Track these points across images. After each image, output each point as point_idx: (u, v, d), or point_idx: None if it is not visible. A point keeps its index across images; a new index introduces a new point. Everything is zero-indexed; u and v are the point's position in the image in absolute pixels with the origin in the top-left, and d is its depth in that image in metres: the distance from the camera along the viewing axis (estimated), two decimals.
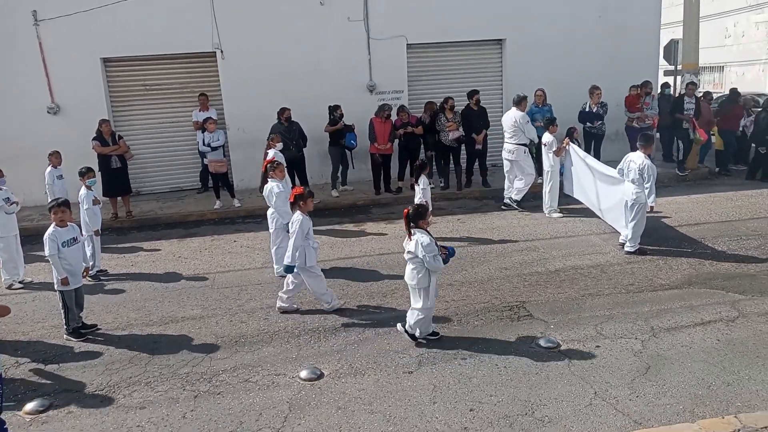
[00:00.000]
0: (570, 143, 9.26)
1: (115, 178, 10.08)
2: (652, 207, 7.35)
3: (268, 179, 7.18)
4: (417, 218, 5.20)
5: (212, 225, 10.15)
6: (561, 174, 9.57)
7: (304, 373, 4.90)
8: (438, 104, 11.25)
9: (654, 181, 7.22)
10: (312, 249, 6.05)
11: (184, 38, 11.55)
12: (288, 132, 10.40)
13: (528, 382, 4.62)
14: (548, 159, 9.28)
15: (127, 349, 5.57)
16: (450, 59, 13.06)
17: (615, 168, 7.87)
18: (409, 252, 5.19)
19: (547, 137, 9.32)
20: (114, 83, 11.89)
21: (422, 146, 11.40)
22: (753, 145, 11.86)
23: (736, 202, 9.75)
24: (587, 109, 11.51)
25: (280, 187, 7.09)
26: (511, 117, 9.83)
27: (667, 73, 15.20)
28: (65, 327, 5.83)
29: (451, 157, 11.31)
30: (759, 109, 12.60)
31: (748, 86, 21.10)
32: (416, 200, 8.38)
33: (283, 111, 10.49)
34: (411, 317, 5.36)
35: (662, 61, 14.25)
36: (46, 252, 5.72)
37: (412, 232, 5.17)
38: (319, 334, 5.66)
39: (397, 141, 11.17)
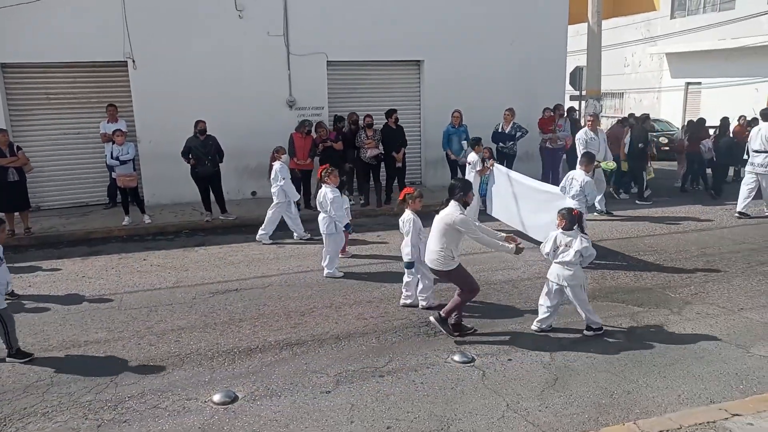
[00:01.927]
0: (495, 164, 9.57)
1: (12, 192, 9.34)
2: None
3: (323, 185, 7.59)
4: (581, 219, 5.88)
5: (120, 242, 9.66)
6: (482, 195, 9.91)
7: (217, 397, 4.73)
8: (361, 118, 11.37)
9: (594, 196, 8.12)
10: (425, 245, 6.10)
11: (92, 46, 10.99)
12: (203, 146, 10.12)
13: (444, 398, 4.69)
14: (471, 178, 9.44)
15: (23, 377, 5.16)
16: (370, 78, 13.26)
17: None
18: (576, 252, 5.56)
19: (472, 156, 9.66)
20: (13, 91, 11.09)
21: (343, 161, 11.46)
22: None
23: (635, 221, 10.43)
24: (500, 130, 11.99)
25: (335, 191, 7.51)
26: None
27: (573, 98, 16.13)
28: (8, 349, 5.41)
29: (371, 174, 11.42)
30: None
31: (644, 112, 22.73)
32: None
33: (197, 124, 10.19)
34: (588, 317, 5.77)
35: (568, 87, 15.13)
36: None
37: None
38: (234, 356, 5.49)
39: (317, 157, 11.16)
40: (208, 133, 10.22)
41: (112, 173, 10.54)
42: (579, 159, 8.28)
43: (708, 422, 4.06)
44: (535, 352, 5.45)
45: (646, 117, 13.14)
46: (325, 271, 7.65)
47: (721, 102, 19.45)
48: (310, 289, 7.21)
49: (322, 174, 7.69)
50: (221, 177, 10.54)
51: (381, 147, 11.17)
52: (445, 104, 12.81)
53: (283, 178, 9.29)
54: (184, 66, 11.53)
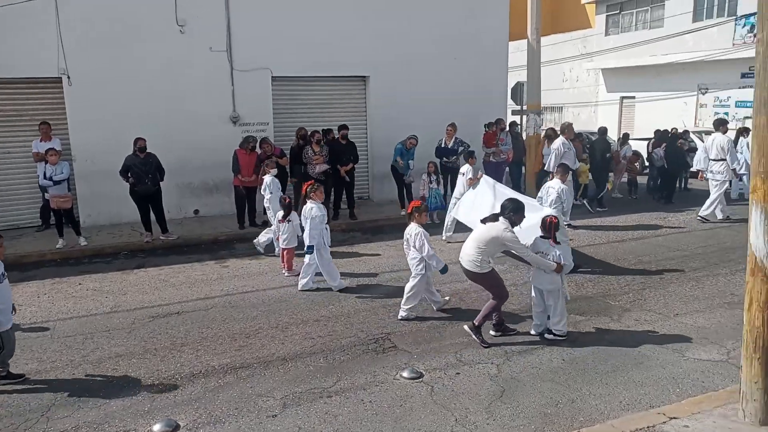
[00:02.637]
0: (484, 175, 9.87)
1: None
2: (569, 224, 8.97)
3: (308, 200, 7.50)
4: (557, 227, 5.90)
5: (54, 266, 9.21)
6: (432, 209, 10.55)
7: (157, 427, 4.53)
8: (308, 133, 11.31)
9: (570, 203, 8.73)
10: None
11: (24, 61, 10.53)
12: (143, 164, 9.82)
13: (393, 416, 4.66)
14: (463, 187, 9.74)
15: None
16: (316, 93, 13.24)
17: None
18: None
19: (465, 167, 10.00)
20: None
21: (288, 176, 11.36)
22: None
23: (577, 231, 10.73)
24: (443, 145, 12.16)
25: (322, 209, 7.47)
26: None
27: (514, 112, 16.54)
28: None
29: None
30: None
31: (583, 125, 23.61)
32: (282, 239, 8.30)
33: (136, 141, 9.88)
34: (555, 321, 5.99)
35: (510, 101, 15.52)
36: None
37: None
38: (175, 382, 5.30)
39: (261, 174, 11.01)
40: (148, 151, 9.93)
41: (45, 194, 10.08)
42: (555, 169, 8.92)
43: (648, 427, 4.18)
44: (483, 364, 5.50)
45: (605, 130, 13.97)
46: (334, 284, 7.62)
47: (653, 115, 20.44)
48: (255, 310, 7.06)
49: (308, 189, 7.64)
50: (162, 195, 10.24)
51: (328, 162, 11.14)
52: (391, 119, 12.95)
53: (271, 192, 9.35)
54: (123, 82, 11.20)
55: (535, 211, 8.19)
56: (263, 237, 9.32)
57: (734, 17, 19.00)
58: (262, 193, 9.66)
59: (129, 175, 9.80)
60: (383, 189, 13.34)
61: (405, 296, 6.65)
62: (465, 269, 5.99)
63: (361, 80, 13.50)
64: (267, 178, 9.59)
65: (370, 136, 13.63)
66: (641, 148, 16.28)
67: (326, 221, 7.65)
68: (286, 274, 8.39)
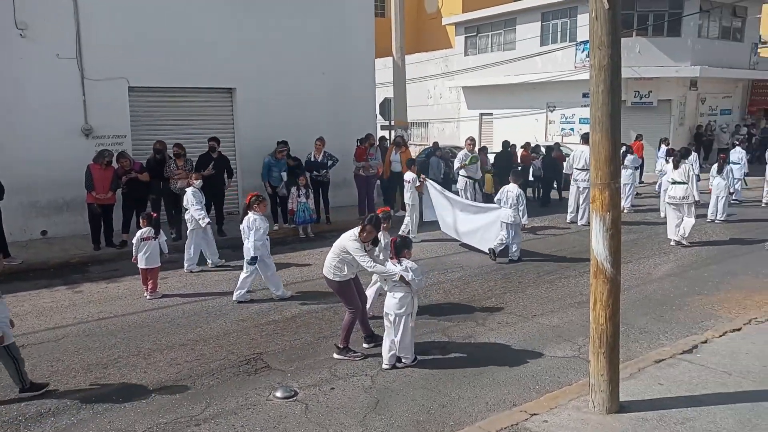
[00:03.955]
0: (427, 179, 10.91)
1: None
2: (525, 225, 9.78)
3: (250, 212, 7.52)
4: (403, 248, 5.64)
5: None
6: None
7: None
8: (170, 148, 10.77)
9: (525, 205, 9.56)
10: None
11: None
12: None
13: None
14: (410, 194, 10.81)
15: None
16: (180, 105, 12.63)
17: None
18: (394, 282, 5.53)
19: (408, 175, 10.82)
20: None
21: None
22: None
23: (443, 241, 11.17)
24: (312, 159, 12.16)
25: (264, 222, 7.55)
26: None
27: (383, 127, 17.01)
28: (21, 384, 5.15)
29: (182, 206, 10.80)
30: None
31: (447, 140, 24.80)
32: (142, 258, 7.78)
33: None
34: (404, 349, 5.63)
35: (379, 117, 15.94)
36: None
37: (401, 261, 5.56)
38: (18, 425, 4.73)
39: (120, 190, 10.28)
40: None
41: None
42: (510, 175, 9.95)
43: (511, 425, 4.42)
44: (357, 377, 5.52)
45: (507, 143, 15.13)
46: (278, 293, 7.75)
47: (510, 131, 21.96)
48: (113, 337, 6.53)
49: (251, 200, 7.61)
50: (2, 216, 9.18)
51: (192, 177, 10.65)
52: (260, 133, 12.69)
53: (198, 204, 9.01)
54: None
55: (489, 211, 9.97)
56: (187, 262, 9.22)
57: (575, 43, 21.06)
58: (185, 206, 9.15)
59: None
60: None
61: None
62: (324, 276, 6.05)
63: (228, 92, 13.13)
64: (189, 191, 9.09)
65: (238, 150, 13.27)
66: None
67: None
68: (148, 296, 7.87)
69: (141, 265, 7.83)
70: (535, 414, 4.56)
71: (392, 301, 5.58)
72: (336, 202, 13.16)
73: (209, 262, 9.43)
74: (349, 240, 5.82)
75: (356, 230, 5.87)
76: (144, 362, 5.90)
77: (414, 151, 19.07)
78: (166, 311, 7.42)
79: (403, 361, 5.69)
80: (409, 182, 10.90)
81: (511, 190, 9.60)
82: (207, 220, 9.04)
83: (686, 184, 10.22)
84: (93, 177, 9.88)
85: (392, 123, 15.72)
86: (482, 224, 10.01)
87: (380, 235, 6.28)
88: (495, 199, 9.95)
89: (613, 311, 4.43)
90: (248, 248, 7.51)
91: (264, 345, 6.30)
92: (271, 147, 11.77)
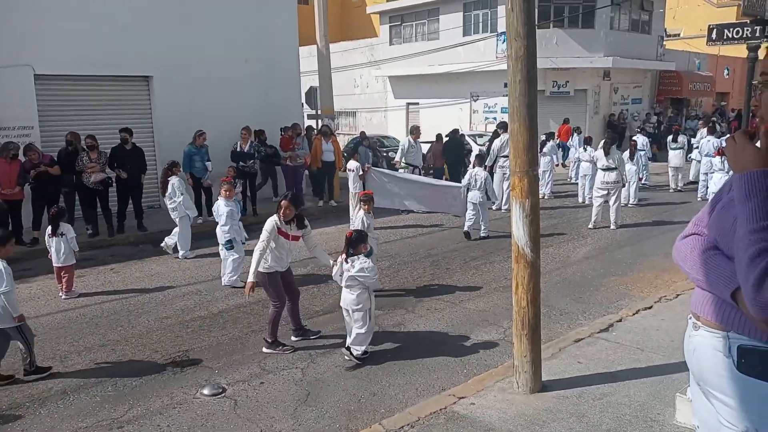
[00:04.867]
0: (371, 168, 10.92)
1: None
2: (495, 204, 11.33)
3: (219, 198, 7.86)
4: (358, 243, 5.45)
5: None
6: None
7: None
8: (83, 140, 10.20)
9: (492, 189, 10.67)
10: None
11: None
12: None
13: None
14: (354, 182, 10.57)
15: None
16: (92, 94, 11.99)
17: None
18: (350, 277, 5.35)
19: (352, 164, 10.67)
20: None
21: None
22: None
23: (379, 228, 11.20)
24: (238, 149, 11.88)
25: (229, 205, 7.75)
26: None
27: (310, 116, 16.82)
28: (29, 366, 5.31)
29: (98, 200, 10.29)
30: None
31: (375, 129, 24.89)
32: (62, 254, 7.36)
33: None
34: (357, 341, 5.48)
35: (306, 106, 15.75)
36: (3, 288, 5.09)
37: (355, 257, 5.39)
38: None
39: (28, 185, 9.65)
40: None
41: None
42: (473, 160, 10.87)
43: (440, 409, 4.52)
44: (287, 370, 5.47)
45: (456, 130, 15.24)
46: (225, 280, 7.82)
47: (436, 120, 22.29)
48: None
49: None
50: None
51: (107, 171, 10.15)
52: (180, 123, 12.25)
53: (181, 194, 9.10)
54: None
55: (450, 187, 10.64)
56: (170, 240, 9.29)
57: (496, 33, 21.59)
58: (167, 197, 9.25)
59: None
60: None
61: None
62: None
63: (144, 80, 12.57)
64: (174, 180, 9.15)
65: (157, 141, 12.75)
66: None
67: (239, 217, 8.14)
68: (63, 296, 7.46)
69: (54, 262, 7.41)
70: (462, 397, 4.68)
71: (349, 297, 5.50)
72: (262, 193, 12.94)
73: (181, 253, 9.35)
74: (268, 221, 5.74)
75: (277, 215, 5.79)
76: (60, 365, 5.59)
77: (342, 141, 19.06)
78: (84, 311, 7.06)
79: (353, 351, 5.55)
80: (353, 171, 10.90)
81: (479, 173, 10.36)
82: (174, 215, 9.21)
83: (617, 169, 10.78)
84: None
85: (319, 112, 15.57)
86: (447, 195, 10.51)
87: (364, 218, 6.95)
88: (463, 183, 10.49)
89: (534, 294, 4.59)
90: (220, 234, 7.79)
91: (190, 342, 6.12)
92: (192, 137, 11.40)
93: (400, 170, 12.88)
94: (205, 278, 8.31)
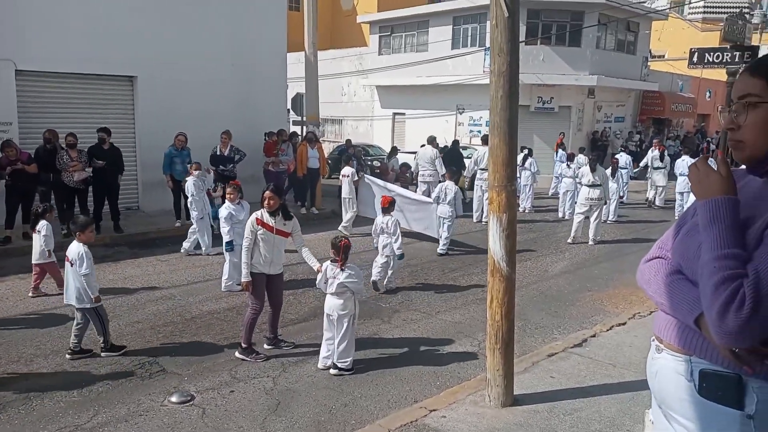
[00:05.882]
0: (365, 175, 11.27)
1: None
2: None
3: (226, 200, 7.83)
4: (348, 251, 5.42)
5: None
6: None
7: None
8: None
9: (460, 203, 10.38)
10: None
11: None
12: None
13: None
14: (348, 187, 11.08)
15: None
16: (74, 92, 11.84)
17: None
18: (340, 284, 5.32)
19: (347, 170, 11.08)
20: None
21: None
22: None
23: (362, 235, 11.15)
24: (218, 153, 11.78)
25: (228, 208, 7.71)
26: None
27: (295, 123, 16.76)
28: (104, 344, 5.72)
29: (76, 200, 10.14)
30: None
31: (361, 138, 24.90)
32: (36, 252, 7.25)
33: None
34: (343, 355, 5.43)
35: (292, 112, 15.69)
36: (84, 270, 5.48)
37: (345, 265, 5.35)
38: None
39: (3, 181, 9.48)
40: None
41: None
42: (447, 173, 10.76)
43: (411, 422, 4.47)
44: (258, 379, 5.39)
45: (433, 138, 14.90)
46: (222, 286, 7.79)
47: (422, 131, 22.32)
48: None
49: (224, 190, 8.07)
50: None
51: (89, 170, 10.02)
52: (163, 124, 12.12)
53: (192, 194, 9.31)
54: None
55: (424, 204, 10.52)
56: (186, 243, 9.44)
57: (484, 48, 21.75)
58: (187, 194, 9.52)
59: None
60: (155, 198, 12.42)
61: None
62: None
63: (128, 80, 12.45)
64: (191, 180, 9.37)
65: (138, 142, 12.62)
66: (411, 160, 17.68)
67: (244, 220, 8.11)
68: (31, 295, 7.32)
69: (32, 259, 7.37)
70: (434, 410, 4.64)
71: (336, 302, 5.41)
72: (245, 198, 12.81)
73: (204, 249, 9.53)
74: (253, 214, 5.73)
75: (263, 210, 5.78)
76: (24, 369, 5.46)
77: (327, 148, 19.02)
78: (52, 313, 6.92)
79: (339, 366, 5.42)
80: (347, 176, 11.16)
81: (450, 187, 10.16)
82: (194, 214, 9.39)
83: (602, 186, 10.90)
84: None
85: (304, 119, 15.52)
86: (426, 213, 10.51)
87: (385, 220, 7.66)
88: (433, 197, 10.41)
89: (508, 308, 4.58)
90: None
91: (160, 348, 6.01)
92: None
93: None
94: (180, 283, 8.20)
